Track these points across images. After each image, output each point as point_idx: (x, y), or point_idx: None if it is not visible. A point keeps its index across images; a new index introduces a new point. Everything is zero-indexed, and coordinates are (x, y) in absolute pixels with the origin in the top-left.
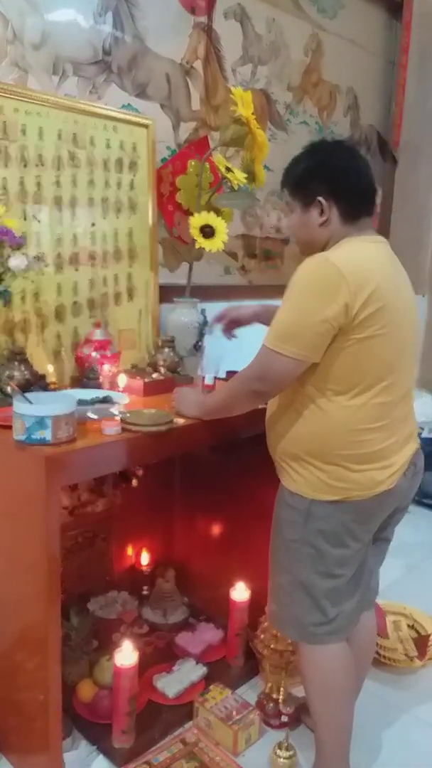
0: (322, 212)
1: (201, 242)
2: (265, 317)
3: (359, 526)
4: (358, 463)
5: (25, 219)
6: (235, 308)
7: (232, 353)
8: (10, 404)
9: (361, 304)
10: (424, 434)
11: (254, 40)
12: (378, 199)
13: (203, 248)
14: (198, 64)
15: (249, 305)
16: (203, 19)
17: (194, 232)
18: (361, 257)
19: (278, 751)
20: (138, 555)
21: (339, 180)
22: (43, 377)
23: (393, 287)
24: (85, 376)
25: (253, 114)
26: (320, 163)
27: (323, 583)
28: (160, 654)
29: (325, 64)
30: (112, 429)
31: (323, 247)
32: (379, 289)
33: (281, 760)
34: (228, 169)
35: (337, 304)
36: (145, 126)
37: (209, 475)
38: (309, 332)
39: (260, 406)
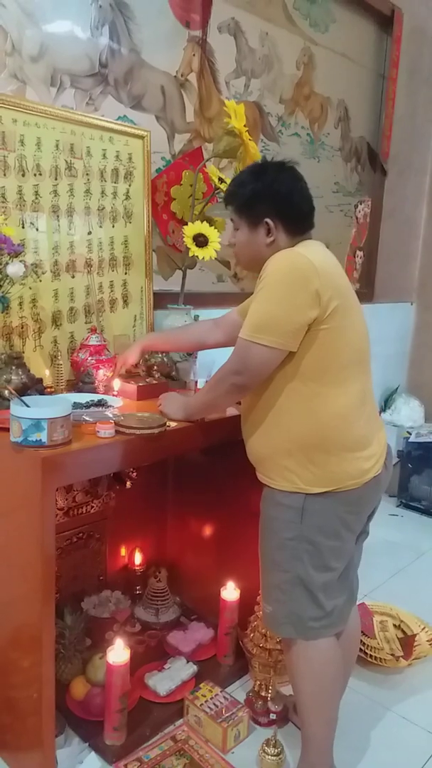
0: (269, 233)
1: (194, 250)
2: (155, 344)
3: (353, 517)
4: (348, 450)
5: (23, 227)
6: (122, 358)
7: (225, 358)
8: (8, 407)
9: (331, 294)
10: (412, 438)
11: (247, 53)
12: (367, 209)
13: (197, 256)
14: (192, 77)
15: (134, 344)
16: (198, 32)
17: (188, 241)
18: (320, 255)
19: (266, 749)
20: (131, 555)
21: (284, 202)
22: (39, 381)
23: (347, 285)
24: (80, 380)
25: (245, 126)
26: (267, 186)
27: (320, 577)
28: (151, 652)
29: (317, 77)
30: (106, 431)
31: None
32: (340, 285)
33: (269, 757)
34: (221, 180)
35: (310, 293)
36: (141, 137)
37: (201, 477)
38: (285, 321)
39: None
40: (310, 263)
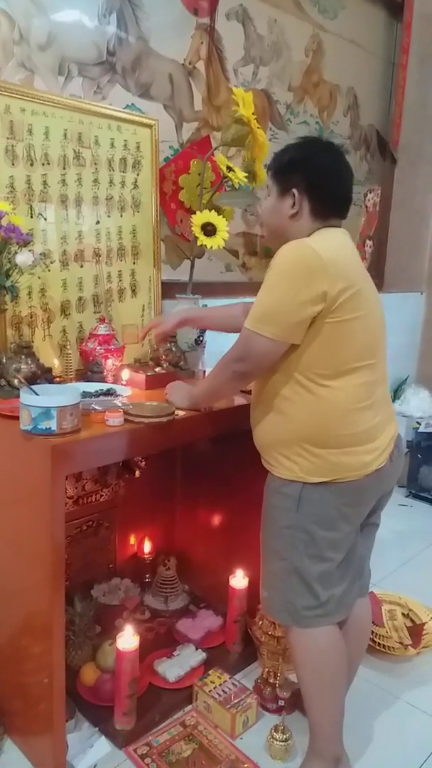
0: (294, 204)
1: (202, 240)
2: (194, 320)
3: (350, 509)
4: (350, 444)
5: (31, 217)
6: (158, 321)
7: None
8: (17, 396)
9: (340, 288)
10: (421, 429)
11: (256, 40)
12: (376, 198)
13: (205, 246)
14: (200, 65)
15: (174, 313)
16: (206, 20)
17: (196, 230)
18: (335, 243)
19: (275, 735)
20: (140, 543)
21: (317, 178)
22: (49, 370)
23: (363, 274)
24: (89, 370)
25: (253, 114)
26: (305, 158)
27: (315, 566)
28: (161, 639)
29: (326, 65)
30: (115, 420)
31: (288, 240)
32: (355, 275)
33: (277, 743)
34: (229, 169)
35: (315, 288)
36: (149, 126)
37: (209, 465)
38: (287, 314)
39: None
40: (317, 257)
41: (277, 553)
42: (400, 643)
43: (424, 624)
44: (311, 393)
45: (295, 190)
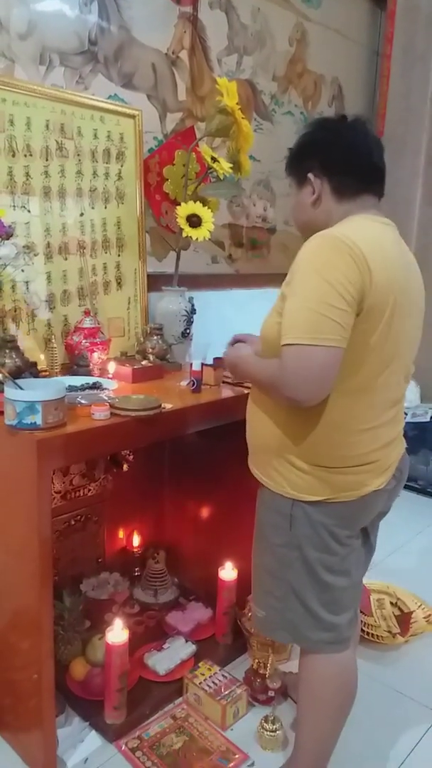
0: (313, 190)
1: (188, 231)
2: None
3: (343, 531)
4: (345, 465)
5: (14, 209)
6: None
7: (220, 340)
8: (1, 391)
9: (369, 286)
10: (408, 419)
11: (239, 30)
12: None
13: (190, 237)
14: (184, 54)
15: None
16: (188, 9)
17: (181, 222)
18: (367, 235)
19: (265, 725)
20: (129, 537)
21: (329, 153)
22: (34, 365)
23: (401, 275)
24: (75, 364)
25: (238, 104)
26: (312, 139)
27: (314, 589)
28: (151, 633)
29: (310, 54)
30: (101, 414)
31: (320, 230)
32: (385, 273)
33: (268, 733)
34: (214, 159)
35: (351, 282)
36: (132, 116)
37: (198, 458)
38: (336, 313)
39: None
40: (348, 248)
41: (272, 572)
42: (389, 632)
43: (412, 612)
44: (311, 407)
45: (310, 174)
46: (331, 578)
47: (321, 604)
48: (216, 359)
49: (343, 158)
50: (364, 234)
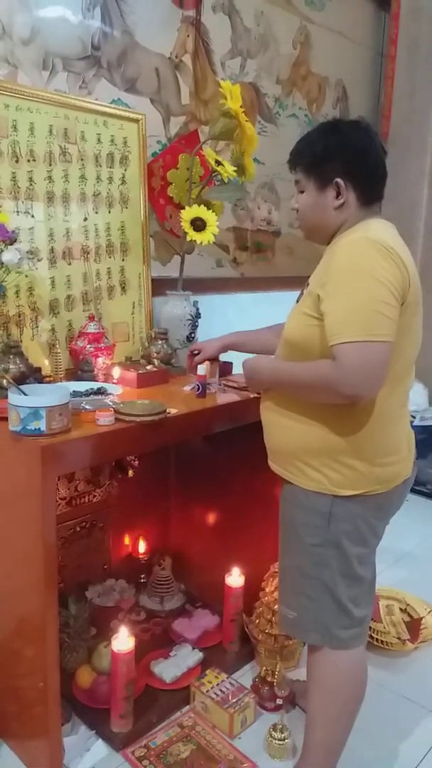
0: (338, 195)
1: (192, 235)
2: (236, 345)
3: (379, 522)
4: (384, 455)
5: (18, 214)
6: (200, 347)
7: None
8: (6, 397)
9: (407, 285)
10: (416, 422)
11: (243, 33)
12: None
13: (195, 241)
14: (187, 58)
15: (215, 339)
16: (191, 12)
17: (185, 225)
18: (393, 239)
19: (273, 734)
20: (135, 544)
21: (358, 161)
22: (38, 370)
23: (415, 271)
24: (79, 369)
25: (241, 107)
26: (340, 142)
27: (347, 584)
28: (157, 640)
29: (314, 57)
30: (105, 419)
31: (333, 233)
32: (414, 273)
33: (276, 742)
34: (218, 163)
35: (396, 280)
36: (136, 121)
37: (204, 464)
38: (388, 309)
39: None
40: (389, 249)
41: (305, 572)
42: (398, 638)
43: (421, 618)
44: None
45: (338, 180)
46: (362, 571)
47: (350, 599)
48: (224, 363)
49: (369, 167)
50: (389, 237)
